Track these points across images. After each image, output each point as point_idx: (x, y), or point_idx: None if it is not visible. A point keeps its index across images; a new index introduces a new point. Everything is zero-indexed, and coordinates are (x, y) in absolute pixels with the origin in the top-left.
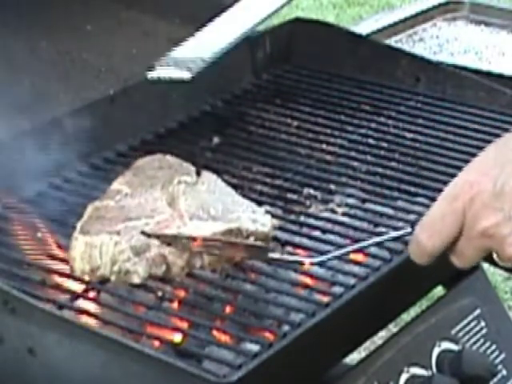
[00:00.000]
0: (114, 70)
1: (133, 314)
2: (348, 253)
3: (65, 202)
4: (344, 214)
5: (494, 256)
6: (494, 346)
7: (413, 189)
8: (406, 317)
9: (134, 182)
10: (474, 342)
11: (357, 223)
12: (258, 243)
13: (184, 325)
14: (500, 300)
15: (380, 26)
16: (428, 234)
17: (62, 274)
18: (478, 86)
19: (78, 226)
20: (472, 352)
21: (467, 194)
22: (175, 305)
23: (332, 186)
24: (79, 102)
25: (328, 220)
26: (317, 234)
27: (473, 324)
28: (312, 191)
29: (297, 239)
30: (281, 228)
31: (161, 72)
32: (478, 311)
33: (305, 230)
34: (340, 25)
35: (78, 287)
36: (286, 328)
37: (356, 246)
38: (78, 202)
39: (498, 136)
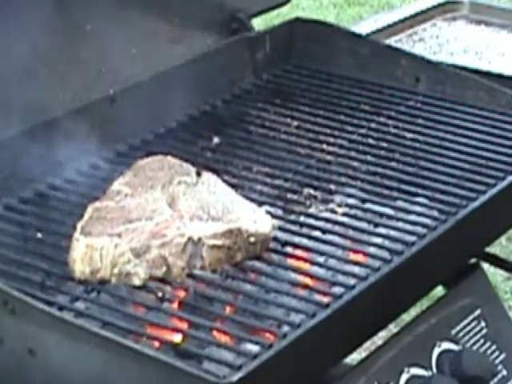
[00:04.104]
0: (114, 70)
1: (133, 315)
2: None
3: (65, 201)
4: (344, 214)
5: None
6: (494, 346)
7: (413, 189)
8: (406, 317)
9: (135, 182)
10: (474, 342)
11: (357, 223)
12: None
13: (184, 325)
14: (500, 300)
15: (380, 26)
16: None
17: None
18: (478, 85)
19: (79, 226)
20: (472, 352)
21: None
22: (175, 305)
23: (332, 186)
24: (79, 102)
25: (328, 220)
26: (317, 233)
27: (473, 324)
28: (312, 191)
29: (297, 239)
30: (281, 228)
31: None
32: (478, 311)
33: (305, 230)
34: (340, 25)
35: (78, 288)
36: (286, 329)
37: None
38: (78, 202)
39: (497, 136)
